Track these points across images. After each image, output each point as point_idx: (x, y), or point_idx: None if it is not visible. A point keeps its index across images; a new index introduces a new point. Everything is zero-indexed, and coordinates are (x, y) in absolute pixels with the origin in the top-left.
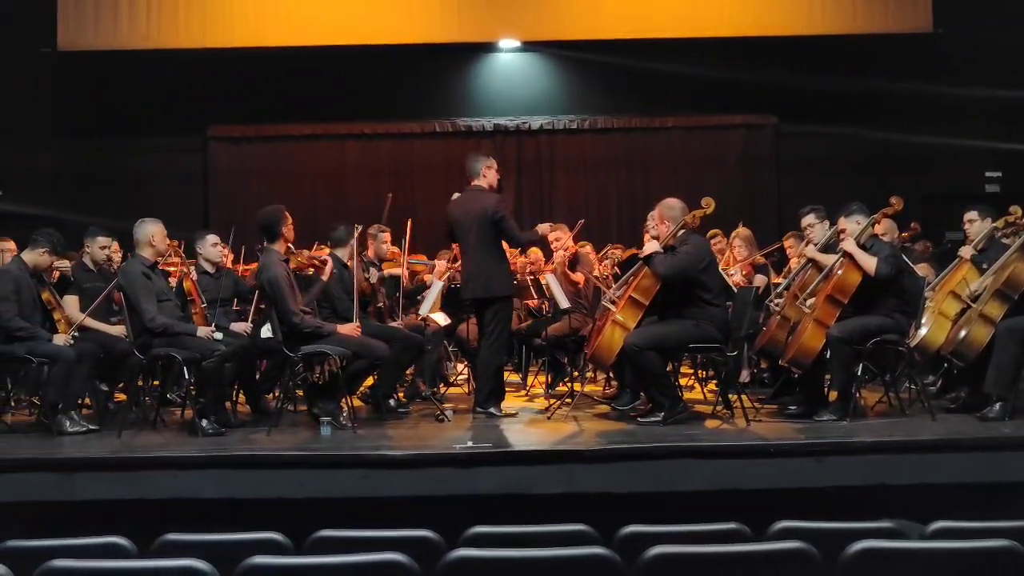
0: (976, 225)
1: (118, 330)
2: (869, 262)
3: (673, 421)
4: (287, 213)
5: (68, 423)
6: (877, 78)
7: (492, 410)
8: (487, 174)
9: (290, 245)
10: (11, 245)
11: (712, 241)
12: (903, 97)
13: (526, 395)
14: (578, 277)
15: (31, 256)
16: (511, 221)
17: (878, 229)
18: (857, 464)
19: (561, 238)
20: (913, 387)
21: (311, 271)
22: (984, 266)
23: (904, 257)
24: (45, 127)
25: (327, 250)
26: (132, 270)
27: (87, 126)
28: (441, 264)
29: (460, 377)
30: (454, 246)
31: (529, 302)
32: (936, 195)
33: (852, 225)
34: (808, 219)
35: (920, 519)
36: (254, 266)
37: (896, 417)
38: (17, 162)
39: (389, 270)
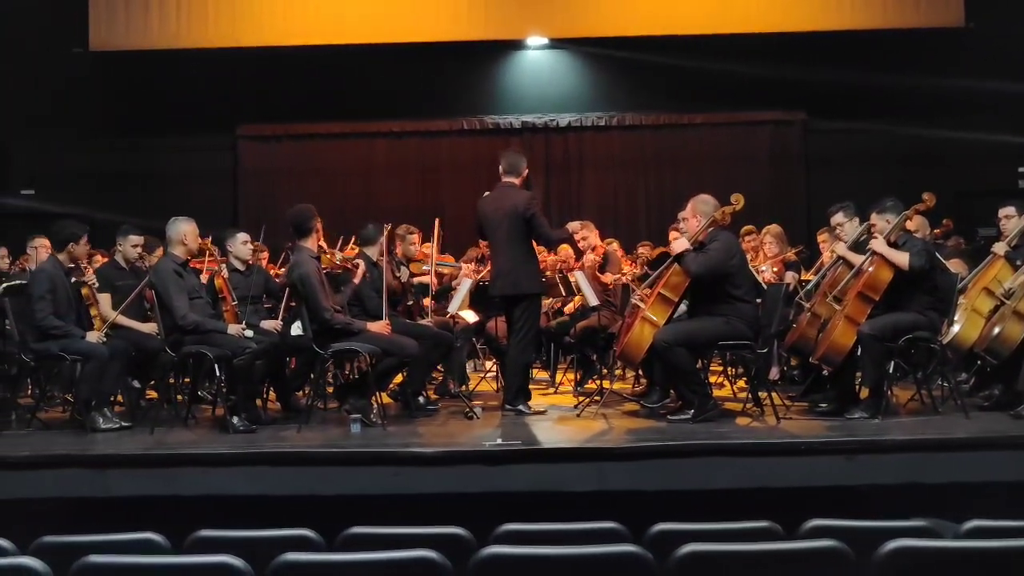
0: (1012, 221)
1: (150, 327)
2: (901, 258)
3: (703, 419)
4: (316, 212)
5: (101, 420)
6: (908, 73)
7: (521, 407)
8: (524, 174)
9: (321, 244)
10: (46, 242)
11: (748, 238)
12: (934, 92)
13: (555, 392)
14: (607, 279)
15: (64, 256)
16: (543, 219)
17: (910, 225)
18: (889, 462)
19: (588, 236)
20: (946, 385)
21: (340, 271)
22: (1018, 263)
23: (936, 254)
24: (76, 126)
25: (357, 249)
26: (164, 268)
27: (118, 125)
28: (467, 267)
29: (489, 374)
30: (482, 244)
31: (555, 302)
32: (968, 191)
33: (883, 223)
34: (837, 218)
35: (954, 518)
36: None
37: (929, 415)
38: (49, 161)
39: (417, 279)
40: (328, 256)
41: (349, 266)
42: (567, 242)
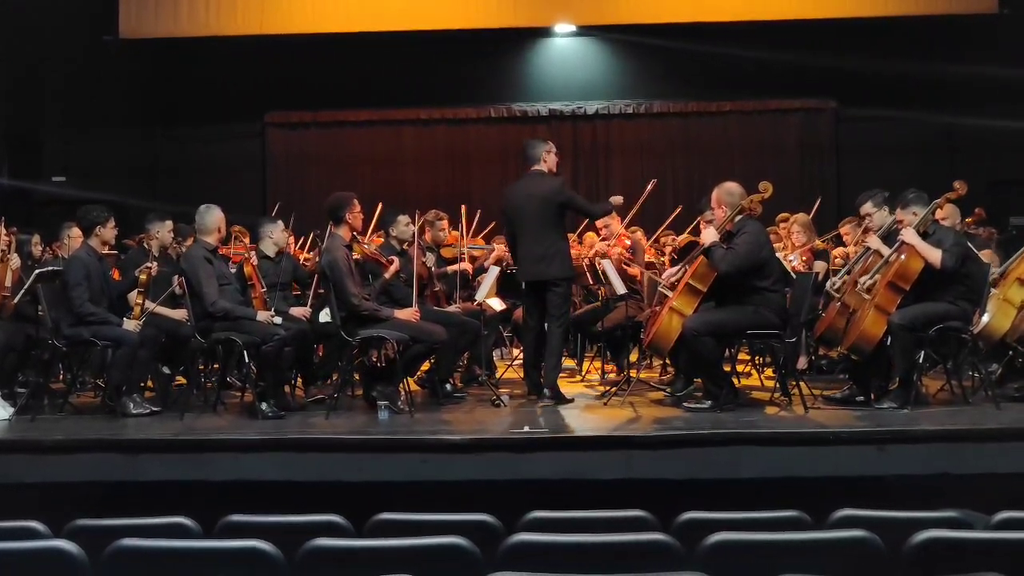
0: None
1: (179, 314)
2: (933, 255)
3: (721, 409)
4: (356, 201)
5: (132, 405)
6: (941, 61)
7: (561, 392)
8: (547, 159)
9: (355, 233)
10: (77, 232)
11: (782, 225)
12: (968, 80)
13: (581, 381)
14: (635, 271)
15: (96, 242)
16: (579, 197)
17: (940, 214)
18: (919, 453)
19: (610, 225)
20: (976, 375)
21: (373, 262)
22: None
23: (969, 244)
24: (106, 114)
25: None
26: (194, 255)
27: (147, 112)
28: (500, 248)
29: (516, 362)
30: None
31: (588, 285)
32: (1002, 180)
33: (909, 216)
34: (866, 207)
35: (984, 509)
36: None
37: (959, 406)
38: (80, 148)
39: (451, 268)
40: (359, 246)
41: (384, 261)
42: (610, 213)
